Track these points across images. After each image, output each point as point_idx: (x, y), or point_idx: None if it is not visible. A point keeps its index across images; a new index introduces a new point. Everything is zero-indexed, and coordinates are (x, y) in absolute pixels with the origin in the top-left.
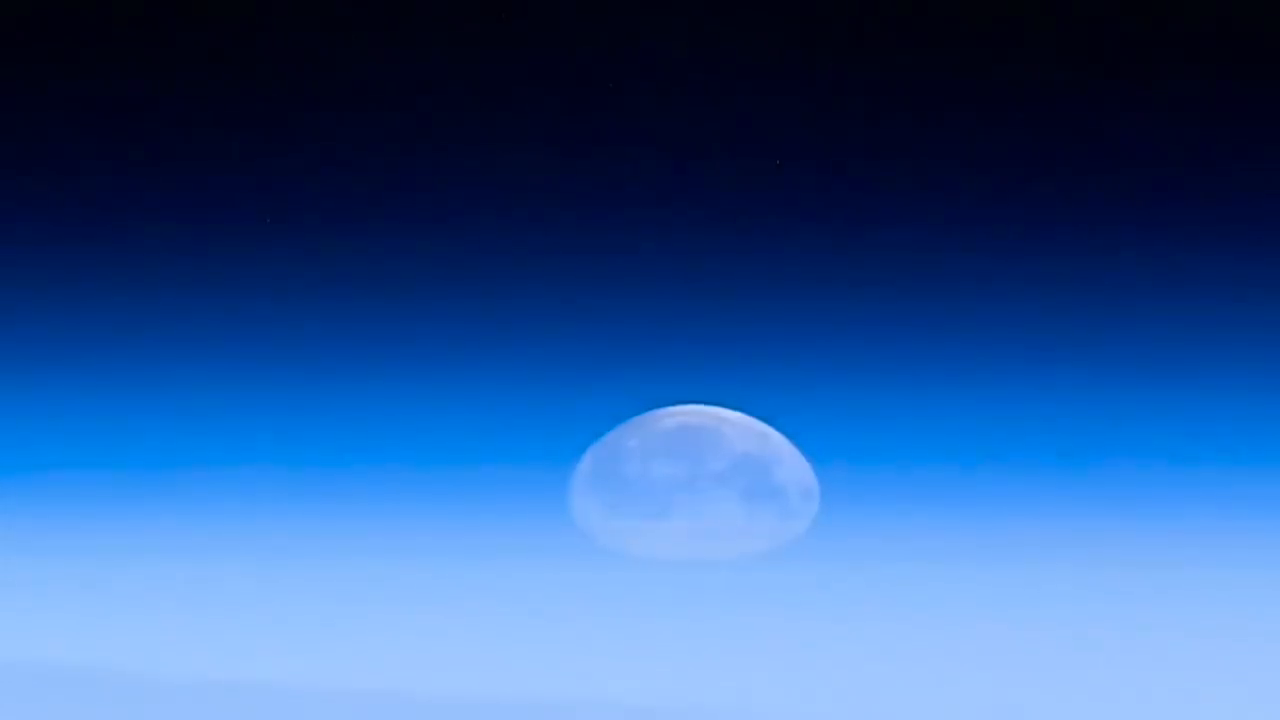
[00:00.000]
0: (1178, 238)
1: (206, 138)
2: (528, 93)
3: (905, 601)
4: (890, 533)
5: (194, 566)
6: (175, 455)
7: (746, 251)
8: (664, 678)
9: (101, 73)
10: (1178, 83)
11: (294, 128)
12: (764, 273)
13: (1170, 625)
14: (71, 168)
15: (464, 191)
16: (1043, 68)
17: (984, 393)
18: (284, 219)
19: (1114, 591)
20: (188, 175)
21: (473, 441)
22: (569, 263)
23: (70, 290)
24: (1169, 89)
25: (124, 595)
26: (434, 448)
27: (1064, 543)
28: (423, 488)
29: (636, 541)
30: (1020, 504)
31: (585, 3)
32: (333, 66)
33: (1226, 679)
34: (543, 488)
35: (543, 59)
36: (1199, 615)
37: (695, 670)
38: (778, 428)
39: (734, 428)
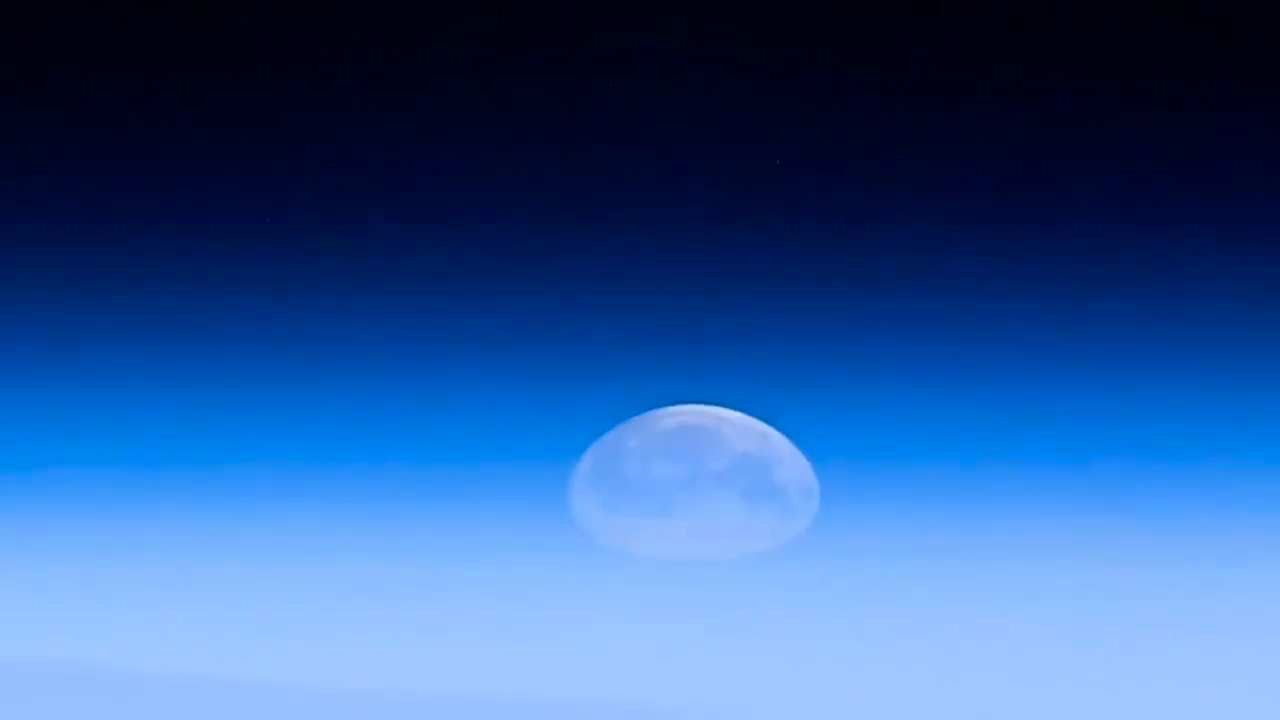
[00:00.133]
0: (1178, 236)
1: (206, 138)
2: (528, 93)
3: (905, 600)
4: (890, 532)
5: (193, 565)
6: (175, 453)
7: (746, 251)
8: (664, 677)
9: (101, 73)
10: (1178, 83)
11: (294, 128)
12: (764, 273)
13: (1171, 623)
14: (71, 168)
15: (464, 191)
16: (1043, 68)
17: (984, 392)
18: (284, 219)
19: (1114, 589)
20: (188, 175)
21: (473, 440)
22: (569, 263)
23: (70, 289)
24: (1169, 89)
25: (123, 594)
26: (435, 446)
27: (1064, 541)
28: (423, 486)
29: (637, 540)
30: (1020, 502)
31: (585, 3)
32: (333, 66)
33: (1228, 677)
34: (543, 486)
35: (543, 59)
36: (1200, 613)
37: (695, 670)
38: (778, 427)
39: (734, 427)
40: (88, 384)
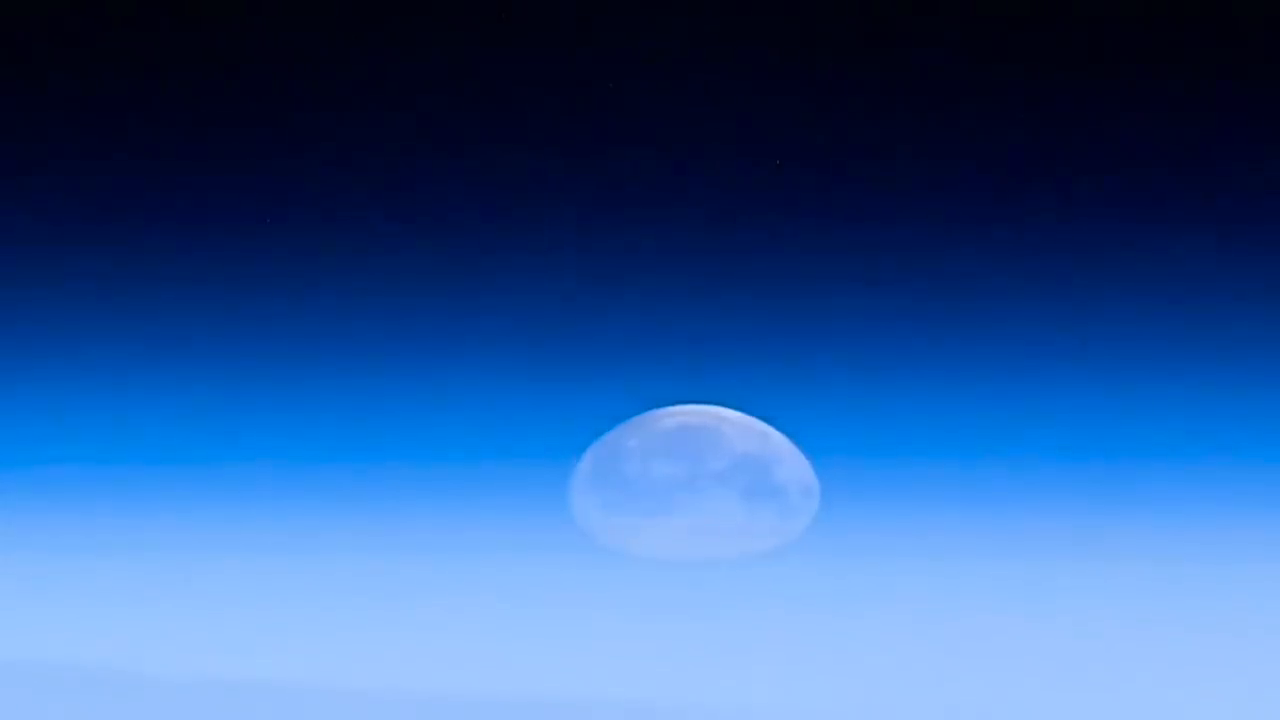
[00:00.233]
0: (1178, 236)
1: (206, 138)
2: (528, 93)
3: (905, 599)
4: (890, 531)
5: (193, 563)
6: (175, 452)
7: (746, 251)
8: (664, 676)
9: (101, 73)
10: (1178, 83)
11: (294, 128)
12: (764, 273)
13: (1173, 620)
14: (71, 167)
15: (464, 191)
16: (1043, 68)
17: (983, 391)
18: (284, 219)
19: (1114, 587)
20: (188, 175)
21: (474, 440)
22: (569, 262)
23: (70, 289)
24: (1169, 89)
25: (122, 592)
26: (435, 446)
27: (1064, 539)
28: (424, 485)
29: (637, 540)
30: (1020, 501)
31: (585, 3)
32: (333, 66)
33: (1228, 675)
34: (543, 486)
35: (543, 59)
36: (1201, 611)
37: (695, 669)
38: (778, 427)
39: (734, 427)
40: (88, 382)
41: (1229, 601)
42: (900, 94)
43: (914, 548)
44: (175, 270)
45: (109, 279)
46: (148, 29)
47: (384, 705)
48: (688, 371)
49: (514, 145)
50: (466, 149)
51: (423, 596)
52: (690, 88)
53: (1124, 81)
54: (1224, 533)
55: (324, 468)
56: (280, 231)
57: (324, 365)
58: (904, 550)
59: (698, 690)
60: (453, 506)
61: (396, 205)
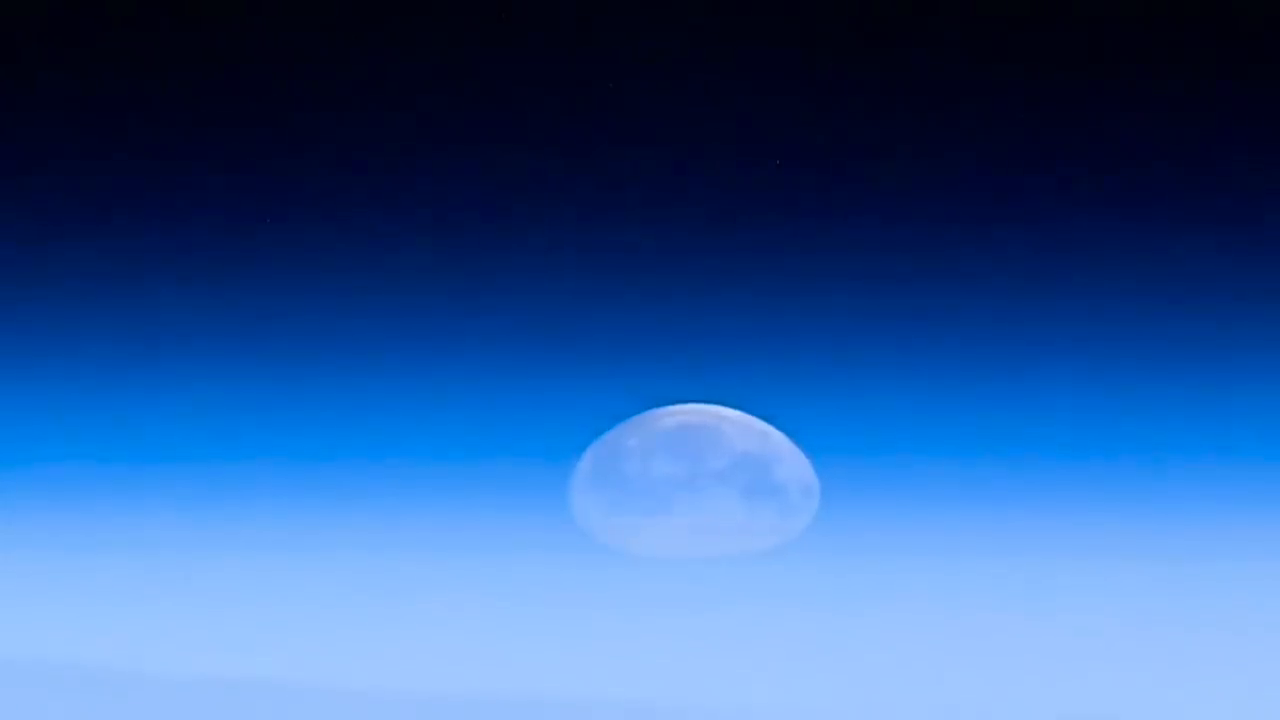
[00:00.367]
0: (1178, 235)
1: (206, 138)
2: (528, 93)
3: (906, 598)
4: (890, 529)
5: (192, 561)
6: (174, 450)
7: (746, 251)
8: (664, 676)
9: (101, 73)
10: (1178, 83)
11: (294, 127)
12: (764, 272)
13: (1174, 619)
14: (71, 167)
15: (464, 191)
16: (1043, 68)
17: (983, 389)
18: (284, 219)
19: (1116, 585)
20: (188, 175)
21: (473, 438)
22: (569, 262)
23: (70, 288)
24: (1169, 89)
25: (122, 591)
26: (434, 444)
27: (1065, 538)
28: (423, 484)
29: (637, 539)
30: (1021, 500)
31: (585, 3)
32: (333, 66)
33: (1229, 674)
34: (543, 485)
35: (543, 59)
36: (1202, 610)
37: (695, 668)
38: (778, 426)
39: (734, 426)
40: (88, 382)
41: (1229, 601)
42: (900, 94)
43: (914, 546)
44: (175, 269)
45: (109, 278)
46: (148, 29)
47: (384, 704)
48: (688, 371)
49: (514, 145)
50: (466, 149)
51: (423, 595)
52: (690, 88)
53: (1124, 81)
54: (1224, 532)
55: (324, 466)
56: (280, 231)
57: (324, 364)
58: (904, 549)
59: (698, 689)
60: (453, 505)
61: (396, 205)
